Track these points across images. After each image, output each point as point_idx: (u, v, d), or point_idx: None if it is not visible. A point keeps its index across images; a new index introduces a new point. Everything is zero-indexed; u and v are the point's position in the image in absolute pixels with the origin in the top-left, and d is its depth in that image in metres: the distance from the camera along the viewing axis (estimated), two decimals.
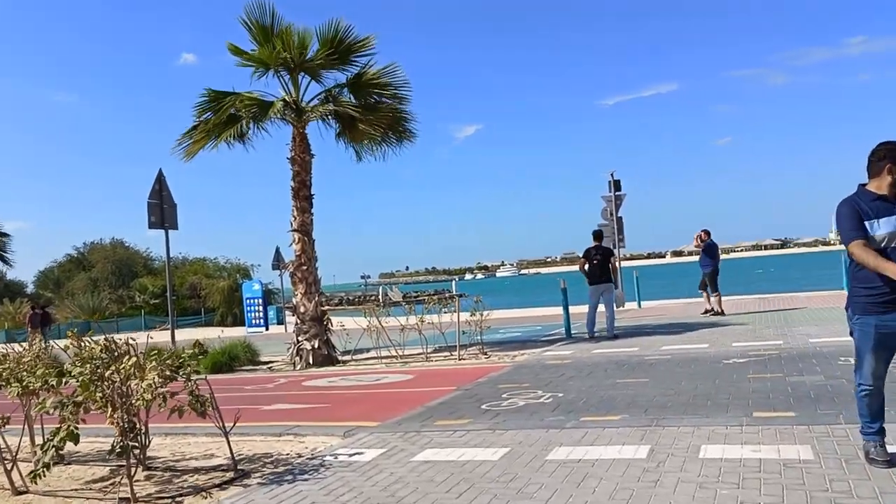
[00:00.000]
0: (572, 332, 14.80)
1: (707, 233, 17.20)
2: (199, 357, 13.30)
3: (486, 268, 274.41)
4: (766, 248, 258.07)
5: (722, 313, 16.67)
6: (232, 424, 5.95)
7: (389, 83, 14.67)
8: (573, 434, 6.11)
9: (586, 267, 14.31)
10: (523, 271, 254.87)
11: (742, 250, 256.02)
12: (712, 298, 17.23)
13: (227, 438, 5.92)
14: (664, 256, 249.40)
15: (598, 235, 14.49)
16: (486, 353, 12.76)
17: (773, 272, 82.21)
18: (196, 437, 7.41)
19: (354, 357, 14.10)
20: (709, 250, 17.17)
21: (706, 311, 17.15)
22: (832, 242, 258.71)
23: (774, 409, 6.45)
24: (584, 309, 14.56)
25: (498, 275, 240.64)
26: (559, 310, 20.02)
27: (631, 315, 19.40)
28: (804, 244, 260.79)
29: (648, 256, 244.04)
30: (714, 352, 10.61)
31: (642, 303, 23.98)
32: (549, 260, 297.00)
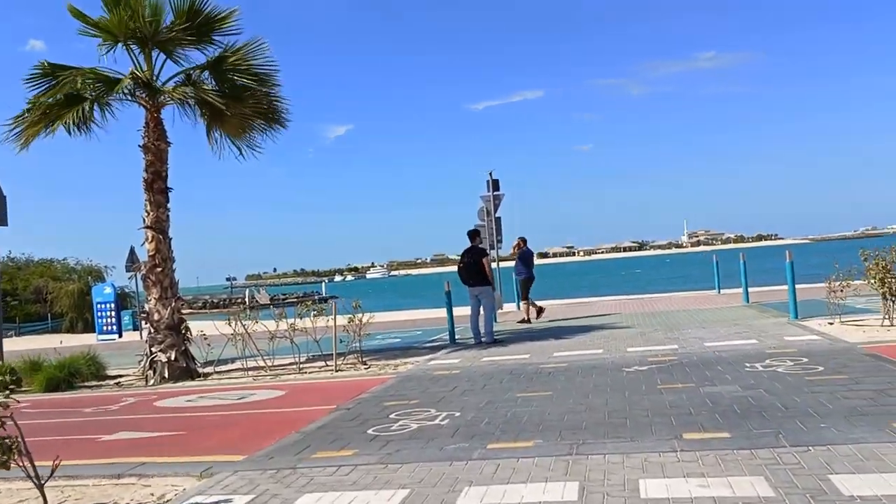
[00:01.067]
0: (457, 337, 13.91)
1: (524, 240, 17.13)
2: (11, 387, 11.47)
3: (355, 269, 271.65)
4: (625, 249, 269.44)
5: (529, 321, 16.50)
6: (50, 471, 4.58)
7: (254, 67, 13.23)
8: (483, 468, 5.12)
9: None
10: (393, 273, 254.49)
11: (603, 252, 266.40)
12: (521, 305, 17.12)
13: (43, 494, 4.55)
14: None
15: (472, 235, 13.69)
16: (365, 363, 11.64)
17: (638, 273, 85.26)
18: (9, 483, 5.90)
19: (217, 369, 12.60)
20: (524, 258, 17.04)
21: (522, 321, 16.72)
22: (685, 245, 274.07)
23: (703, 428, 5.72)
24: (468, 312, 13.73)
25: (368, 276, 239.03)
26: (438, 312, 19.17)
27: (513, 317, 18.78)
28: (659, 246, 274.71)
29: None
30: (612, 358, 9.96)
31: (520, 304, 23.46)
32: (419, 261, 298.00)
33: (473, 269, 13.26)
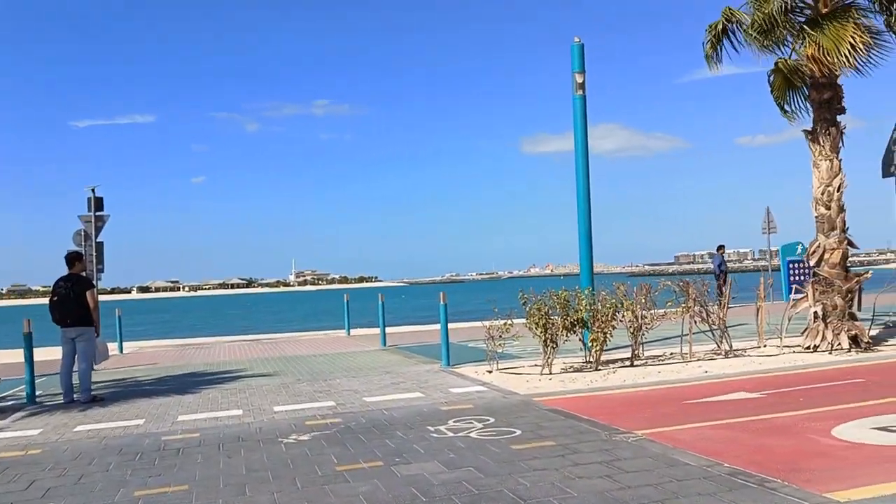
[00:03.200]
0: (37, 394, 10.47)
1: None
2: None
3: None
4: (233, 286, 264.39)
5: None
6: None
7: None
8: None
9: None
10: None
11: (210, 288, 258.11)
12: None
13: None
14: (130, 292, 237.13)
15: (73, 259, 10.42)
16: None
17: (239, 314, 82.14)
18: None
19: None
20: None
21: None
22: (292, 284, 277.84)
23: None
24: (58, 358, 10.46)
25: None
26: (10, 356, 15.23)
27: (114, 364, 15.47)
28: (268, 284, 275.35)
29: (113, 291, 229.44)
30: (257, 423, 7.80)
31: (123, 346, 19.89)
32: None
33: (74, 304, 10.05)
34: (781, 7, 11.45)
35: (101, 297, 15.84)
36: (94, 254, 19.37)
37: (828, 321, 11.54)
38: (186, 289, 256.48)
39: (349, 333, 20.11)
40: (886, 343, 11.95)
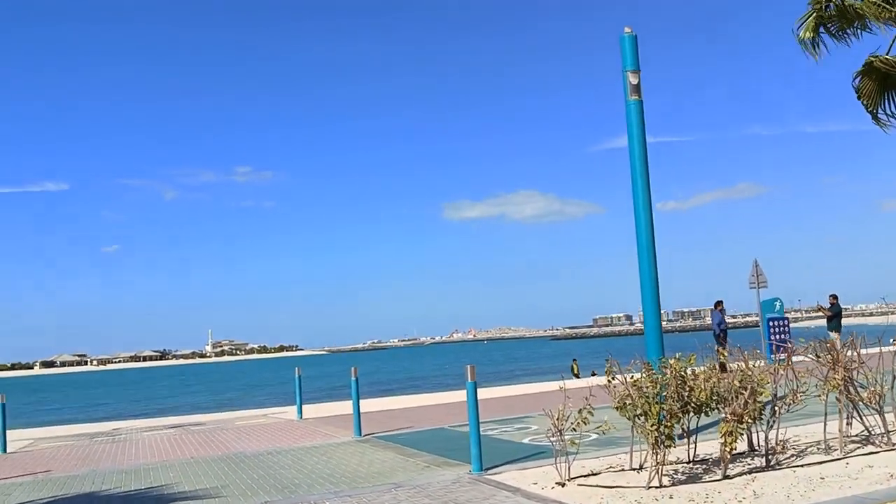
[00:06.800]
0: None
1: None
2: None
3: None
4: (145, 359, 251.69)
5: None
6: None
7: None
8: None
9: None
10: None
11: (121, 361, 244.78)
12: None
13: None
14: (32, 367, 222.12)
15: None
16: None
17: (161, 389, 75.64)
18: None
19: None
20: None
21: None
22: (209, 355, 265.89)
23: None
24: None
25: None
26: None
27: None
28: (183, 356, 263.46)
29: (13, 367, 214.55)
30: None
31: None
32: None
33: None
34: None
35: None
36: None
37: None
38: (95, 362, 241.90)
39: (301, 416, 16.15)
40: None
